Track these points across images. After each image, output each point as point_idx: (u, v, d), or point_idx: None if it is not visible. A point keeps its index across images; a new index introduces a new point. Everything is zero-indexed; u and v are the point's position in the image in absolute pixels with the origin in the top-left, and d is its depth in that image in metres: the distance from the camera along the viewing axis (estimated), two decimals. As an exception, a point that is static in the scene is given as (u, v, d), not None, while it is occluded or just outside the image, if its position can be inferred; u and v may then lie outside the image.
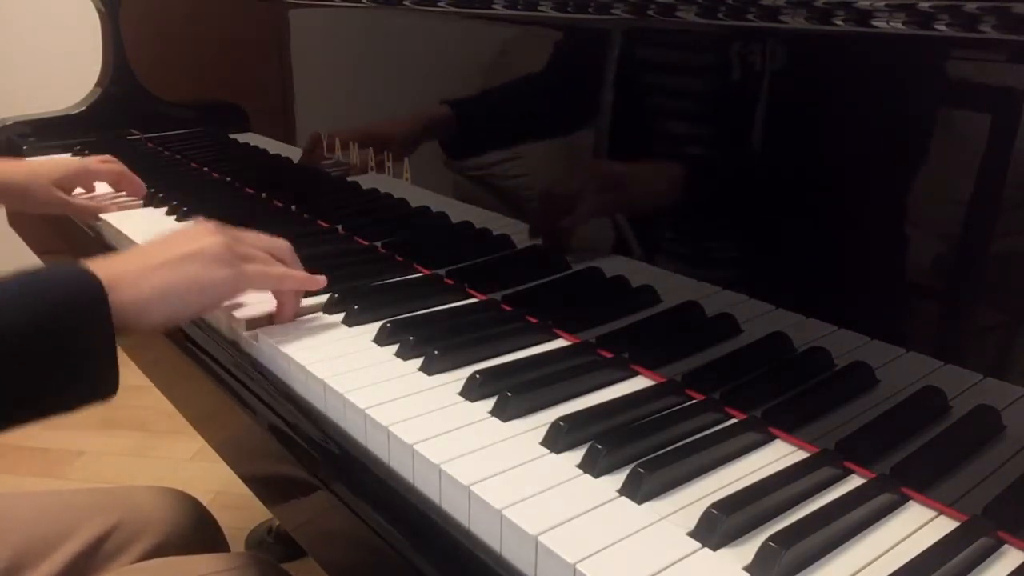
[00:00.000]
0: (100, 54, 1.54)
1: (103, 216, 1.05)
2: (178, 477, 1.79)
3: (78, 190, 1.10)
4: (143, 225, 1.02)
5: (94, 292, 0.58)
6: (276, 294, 0.73)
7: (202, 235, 0.68)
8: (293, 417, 0.64)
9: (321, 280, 0.75)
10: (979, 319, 0.52)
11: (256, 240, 0.73)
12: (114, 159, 1.14)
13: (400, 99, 0.91)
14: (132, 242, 0.97)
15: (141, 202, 1.12)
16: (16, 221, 1.36)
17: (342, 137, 0.98)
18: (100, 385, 0.58)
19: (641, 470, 0.50)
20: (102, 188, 1.14)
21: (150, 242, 0.68)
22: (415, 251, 0.88)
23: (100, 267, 0.60)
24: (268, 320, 0.73)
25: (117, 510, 0.83)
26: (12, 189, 1.04)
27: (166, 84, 1.45)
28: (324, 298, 0.76)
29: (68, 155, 1.38)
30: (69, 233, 1.12)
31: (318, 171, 1.04)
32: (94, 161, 1.13)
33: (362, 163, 0.96)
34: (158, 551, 0.82)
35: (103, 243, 1.05)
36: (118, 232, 1.01)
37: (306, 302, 0.77)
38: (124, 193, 1.13)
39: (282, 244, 0.75)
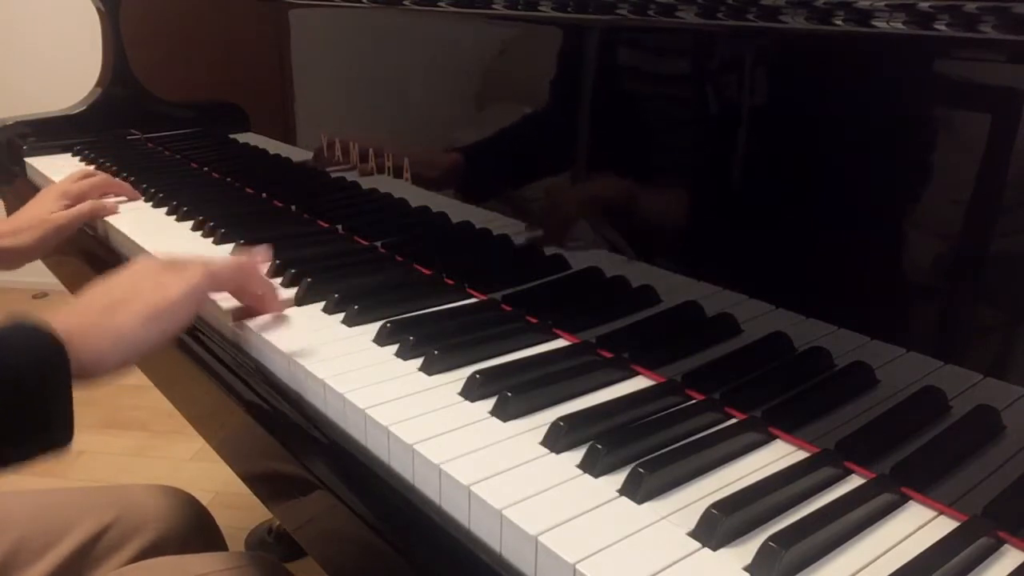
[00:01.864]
0: (100, 54, 1.54)
1: (109, 220, 1.05)
2: (178, 477, 1.79)
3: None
4: (145, 225, 1.02)
5: (55, 354, 0.58)
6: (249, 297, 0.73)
7: (141, 269, 0.68)
8: (293, 417, 0.64)
9: (277, 306, 0.74)
10: (979, 319, 0.52)
11: (207, 261, 0.72)
12: (93, 172, 1.12)
13: (400, 99, 0.91)
14: (134, 243, 0.97)
15: (125, 199, 1.11)
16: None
17: (368, 148, 0.98)
18: (56, 438, 0.59)
19: (641, 470, 0.50)
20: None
21: (95, 289, 0.67)
22: (415, 251, 0.88)
23: (57, 321, 0.60)
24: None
25: (114, 507, 0.83)
26: (25, 254, 1.01)
27: (166, 84, 1.45)
28: (324, 298, 0.76)
29: (73, 157, 1.38)
30: (70, 234, 1.12)
31: (318, 171, 1.04)
32: (71, 184, 1.08)
33: (362, 163, 0.96)
34: (154, 548, 0.82)
35: (104, 244, 1.05)
36: (119, 233, 1.01)
37: (306, 301, 0.77)
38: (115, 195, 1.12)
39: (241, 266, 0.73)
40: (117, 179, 1.15)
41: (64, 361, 0.58)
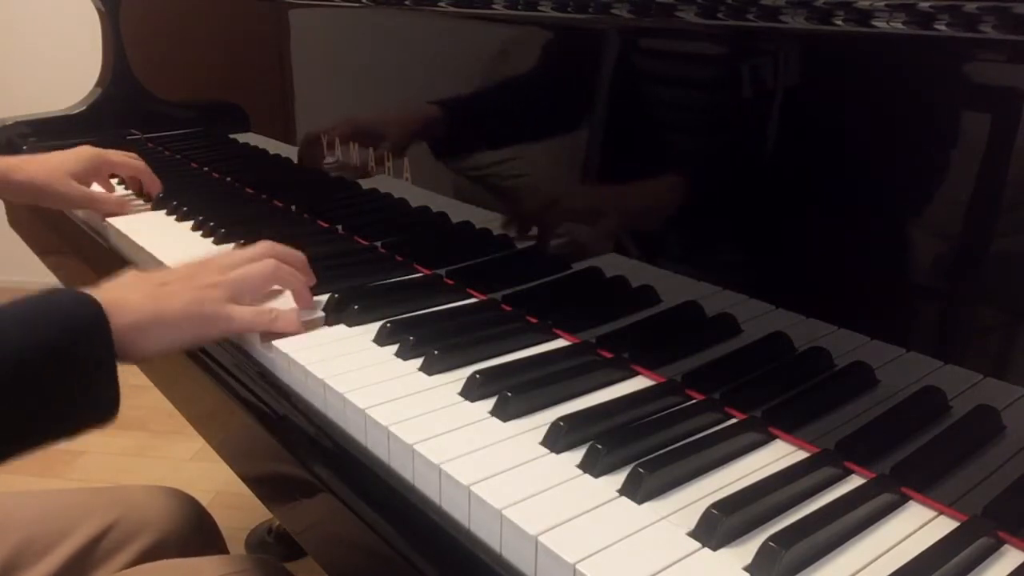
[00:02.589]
0: (100, 54, 1.54)
1: (111, 221, 1.05)
2: (178, 477, 1.79)
3: (94, 186, 1.10)
4: (145, 225, 1.02)
5: (96, 317, 0.58)
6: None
7: (192, 273, 0.69)
8: (293, 417, 0.64)
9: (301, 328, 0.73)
10: (979, 319, 0.52)
11: (237, 255, 0.73)
12: (136, 156, 1.13)
13: (400, 99, 0.91)
14: (134, 244, 0.97)
15: (147, 206, 1.11)
16: (16, 221, 1.36)
17: (334, 135, 0.98)
18: (101, 408, 0.59)
19: (641, 470, 0.50)
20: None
21: (140, 274, 0.69)
22: (415, 251, 0.88)
23: (100, 293, 0.60)
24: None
25: (115, 509, 0.83)
26: (29, 187, 1.03)
27: (166, 84, 1.45)
28: (324, 298, 0.76)
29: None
30: (70, 234, 1.12)
31: (318, 171, 1.04)
32: (114, 153, 1.11)
33: (362, 163, 0.96)
34: (155, 550, 0.82)
35: (104, 244, 1.05)
36: (119, 233, 1.01)
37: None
38: (131, 193, 1.13)
39: (263, 247, 0.74)
40: (151, 172, 1.14)
41: (104, 324, 0.58)
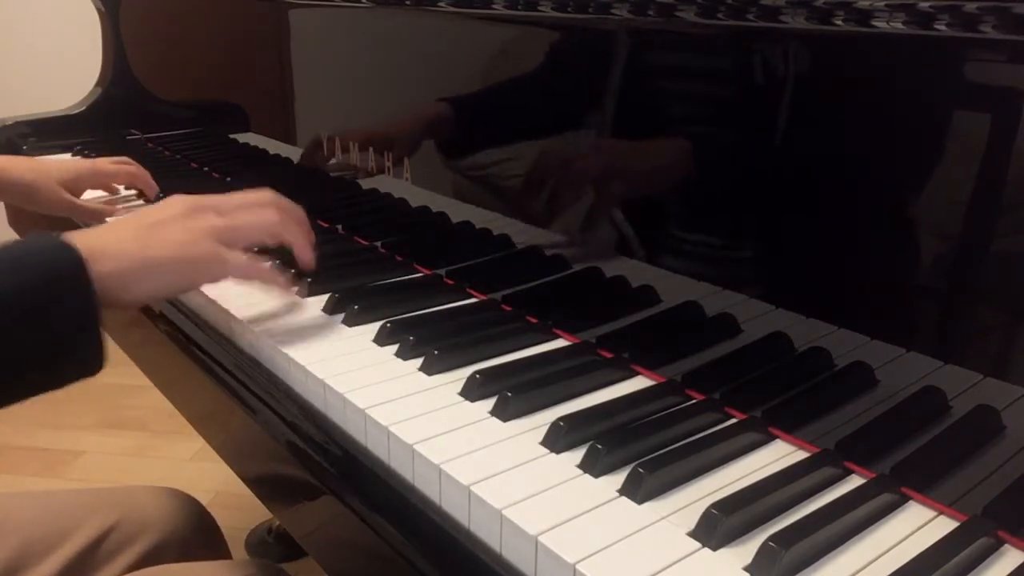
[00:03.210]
0: (100, 54, 1.54)
1: (106, 219, 1.05)
2: (178, 477, 1.79)
3: (90, 193, 1.10)
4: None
5: (73, 263, 0.56)
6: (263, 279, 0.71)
7: (184, 213, 0.65)
8: (293, 417, 0.64)
9: (311, 255, 0.71)
10: (979, 319, 0.52)
11: (235, 199, 0.69)
12: (129, 160, 1.13)
13: (400, 99, 0.91)
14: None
15: (143, 203, 1.11)
16: (17, 221, 1.36)
17: (343, 139, 0.98)
18: (86, 359, 0.57)
19: (641, 470, 0.50)
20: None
21: (131, 216, 0.66)
22: (415, 251, 0.88)
23: (80, 239, 0.58)
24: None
25: (116, 510, 0.83)
26: (18, 187, 1.03)
27: (166, 84, 1.45)
28: (324, 298, 0.76)
29: (73, 156, 1.38)
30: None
31: (318, 171, 1.04)
32: (106, 162, 1.11)
33: (362, 163, 0.96)
34: (157, 551, 0.82)
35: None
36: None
37: (306, 301, 0.77)
38: (134, 193, 1.13)
39: (263, 194, 0.70)
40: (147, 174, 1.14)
41: (82, 270, 0.56)
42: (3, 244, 0.56)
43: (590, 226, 0.74)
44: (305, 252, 0.72)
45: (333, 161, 1.01)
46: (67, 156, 1.39)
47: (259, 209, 0.69)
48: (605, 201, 0.73)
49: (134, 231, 0.63)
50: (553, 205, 0.77)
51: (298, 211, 0.73)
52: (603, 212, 0.73)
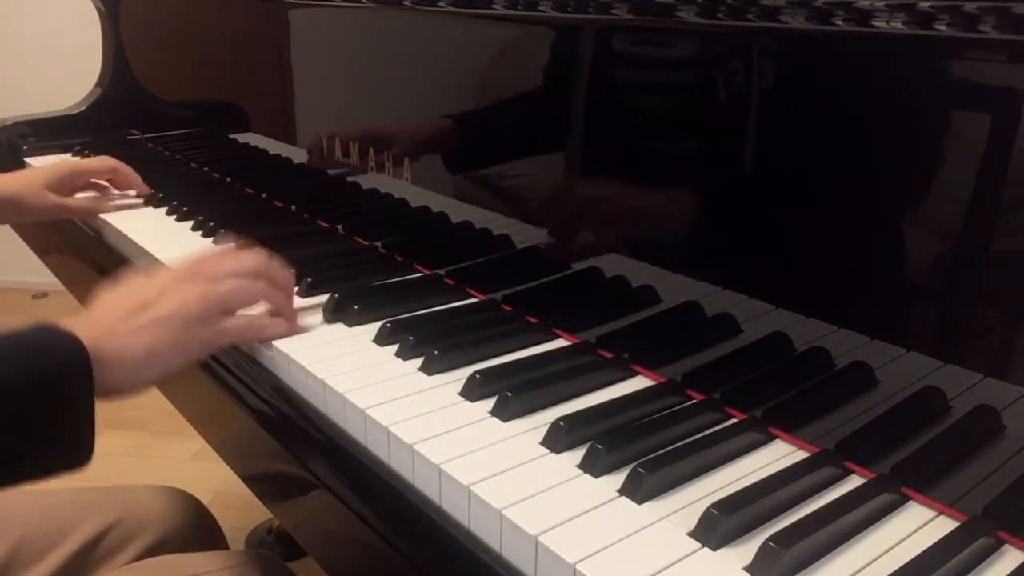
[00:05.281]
0: (100, 54, 1.54)
1: (105, 217, 1.05)
2: (178, 477, 1.79)
3: (81, 194, 1.10)
4: (145, 225, 1.02)
5: (80, 362, 0.56)
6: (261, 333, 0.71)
7: (175, 288, 0.65)
8: (293, 417, 0.64)
9: (296, 327, 0.72)
10: (979, 319, 0.52)
11: (227, 269, 0.68)
12: (109, 157, 1.13)
13: (400, 99, 0.91)
14: (134, 243, 0.97)
15: (141, 201, 1.11)
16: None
17: (344, 139, 0.98)
18: (77, 452, 0.57)
19: (641, 470, 0.50)
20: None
21: (123, 294, 0.65)
22: (415, 251, 0.88)
23: (83, 330, 0.58)
24: None
25: (116, 508, 0.83)
26: (8, 203, 1.02)
27: (166, 84, 1.45)
28: (324, 298, 0.76)
29: (72, 156, 1.38)
30: (70, 234, 1.12)
31: (318, 171, 1.04)
32: (87, 161, 1.12)
33: (362, 163, 0.96)
34: (156, 549, 0.82)
35: (104, 244, 1.05)
36: (119, 233, 1.01)
37: (306, 301, 0.77)
38: (133, 192, 1.13)
39: (254, 262, 0.70)
40: (127, 168, 1.14)
41: (87, 370, 0.56)
42: (14, 332, 0.56)
43: (594, 227, 0.74)
44: (287, 318, 0.71)
45: (333, 161, 1.01)
46: (67, 156, 1.39)
47: (250, 284, 0.69)
48: (604, 200, 0.73)
49: (129, 317, 0.62)
50: (553, 204, 0.77)
51: (286, 276, 0.72)
52: (603, 210, 0.73)
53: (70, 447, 0.57)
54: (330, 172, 1.02)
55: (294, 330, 0.71)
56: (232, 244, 0.75)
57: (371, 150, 0.94)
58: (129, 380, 0.61)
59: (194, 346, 0.65)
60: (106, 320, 0.62)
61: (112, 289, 0.66)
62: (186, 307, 0.64)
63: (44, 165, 1.10)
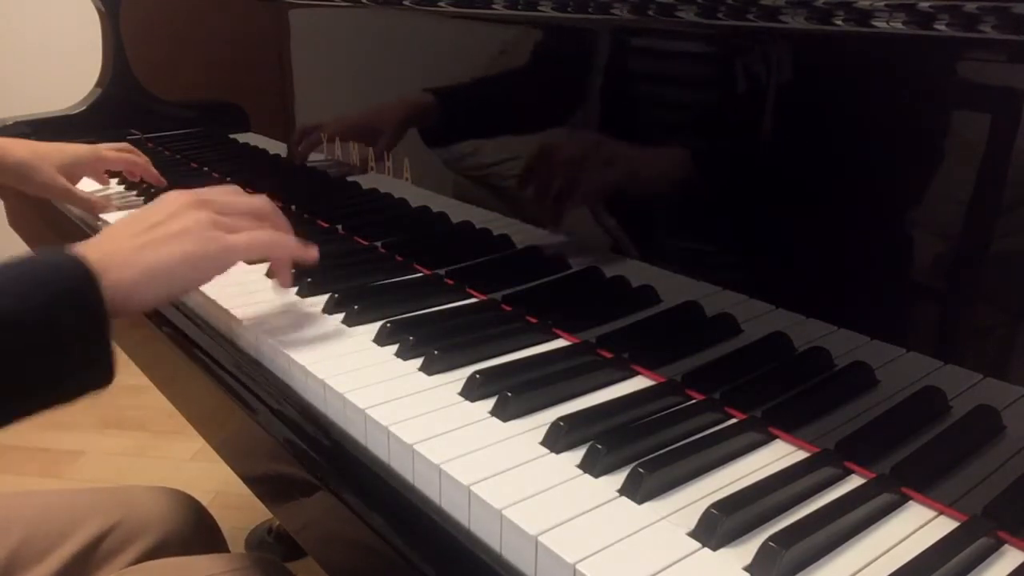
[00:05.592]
0: (100, 54, 1.54)
1: (105, 217, 1.05)
2: (178, 477, 1.79)
3: (86, 183, 1.10)
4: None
5: (85, 278, 0.56)
6: (270, 262, 0.71)
7: (184, 210, 0.65)
8: (293, 417, 0.64)
9: (313, 252, 0.72)
10: (979, 319, 0.52)
11: (236, 204, 0.69)
12: (132, 148, 1.13)
13: (400, 99, 0.91)
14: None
15: (142, 200, 1.11)
16: (16, 221, 1.36)
17: (330, 135, 0.98)
18: (96, 373, 0.57)
19: (641, 470, 0.50)
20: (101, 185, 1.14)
21: (131, 218, 0.66)
22: (415, 251, 0.88)
23: (88, 250, 0.58)
24: None
25: (116, 510, 0.83)
26: (15, 166, 1.02)
27: (166, 84, 1.45)
28: (324, 298, 0.76)
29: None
30: (69, 233, 1.12)
31: (318, 171, 1.04)
32: (107, 148, 1.11)
33: (362, 163, 0.96)
34: (157, 551, 0.82)
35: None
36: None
37: (307, 301, 0.77)
38: (134, 194, 1.13)
39: (263, 204, 0.71)
40: (148, 162, 1.14)
41: (95, 285, 0.56)
42: (13, 259, 0.56)
43: (590, 224, 0.74)
44: (307, 254, 0.72)
45: (332, 160, 1.01)
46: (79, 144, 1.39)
47: (257, 225, 0.69)
48: (604, 200, 0.73)
49: (137, 236, 0.63)
50: (553, 204, 0.76)
51: (287, 226, 0.73)
52: (603, 210, 0.73)
53: (91, 369, 0.57)
54: (330, 172, 1.02)
55: (305, 253, 0.72)
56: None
57: (371, 151, 0.94)
58: (136, 297, 0.61)
59: (204, 263, 0.65)
60: (115, 241, 0.63)
61: (121, 220, 0.66)
62: (198, 224, 0.64)
63: (64, 145, 1.08)
